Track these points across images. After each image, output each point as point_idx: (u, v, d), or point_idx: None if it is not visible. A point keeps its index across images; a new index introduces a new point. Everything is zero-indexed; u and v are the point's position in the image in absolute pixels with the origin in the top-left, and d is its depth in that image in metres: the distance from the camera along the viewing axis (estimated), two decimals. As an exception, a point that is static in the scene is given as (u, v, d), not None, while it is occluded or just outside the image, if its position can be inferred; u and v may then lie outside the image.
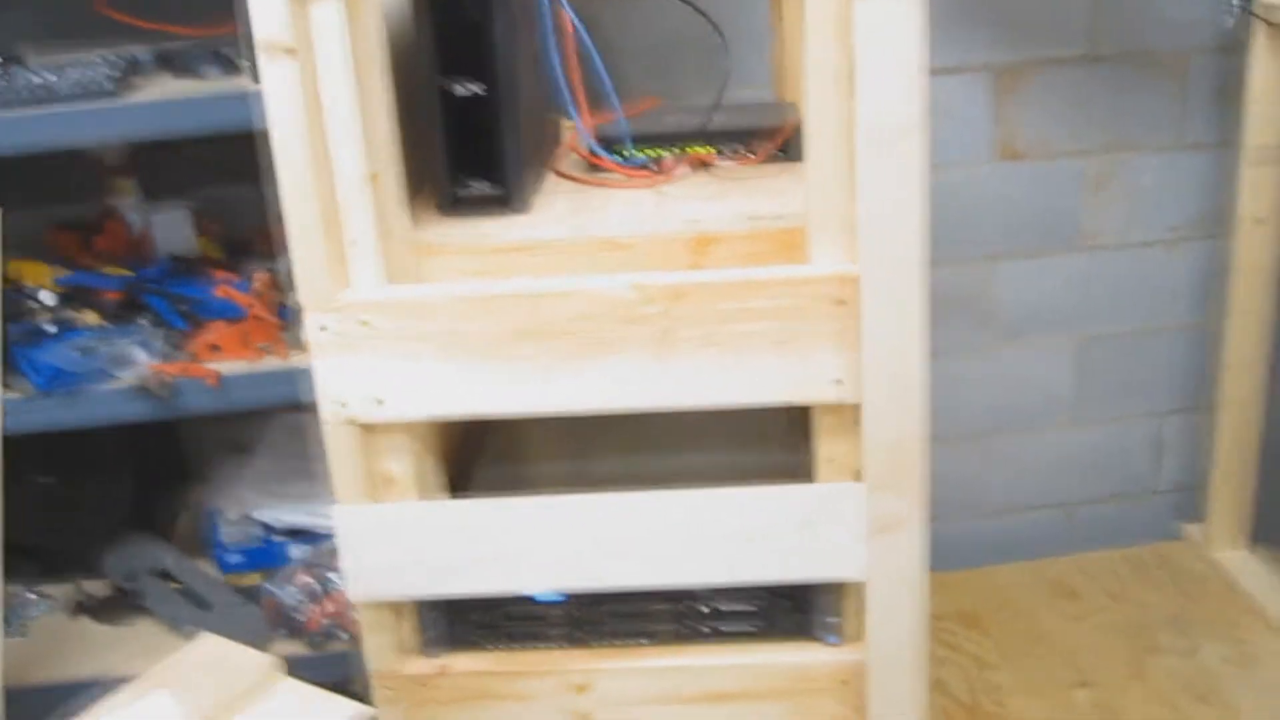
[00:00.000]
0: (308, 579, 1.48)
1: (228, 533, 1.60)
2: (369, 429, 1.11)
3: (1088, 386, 2.11)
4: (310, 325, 1.07)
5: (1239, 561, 2.06)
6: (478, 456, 1.32)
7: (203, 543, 1.65)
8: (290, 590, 1.48)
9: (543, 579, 1.13)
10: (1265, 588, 1.99)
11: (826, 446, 1.08)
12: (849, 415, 1.07)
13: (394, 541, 1.12)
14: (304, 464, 1.62)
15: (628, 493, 1.09)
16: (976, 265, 2.02)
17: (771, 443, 1.26)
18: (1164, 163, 2.00)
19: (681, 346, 1.05)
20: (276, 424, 1.74)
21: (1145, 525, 2.18)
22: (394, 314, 1.06)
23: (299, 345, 1.38)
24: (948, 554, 2.12)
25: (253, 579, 1.59)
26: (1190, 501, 2.18)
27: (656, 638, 1.17)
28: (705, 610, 1.16)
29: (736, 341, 1.04)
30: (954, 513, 2.16)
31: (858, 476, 1.08)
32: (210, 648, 0.98)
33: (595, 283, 1.05)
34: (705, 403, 1.06)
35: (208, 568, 1.63)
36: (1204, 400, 2.11)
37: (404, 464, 1.12)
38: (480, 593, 1.14)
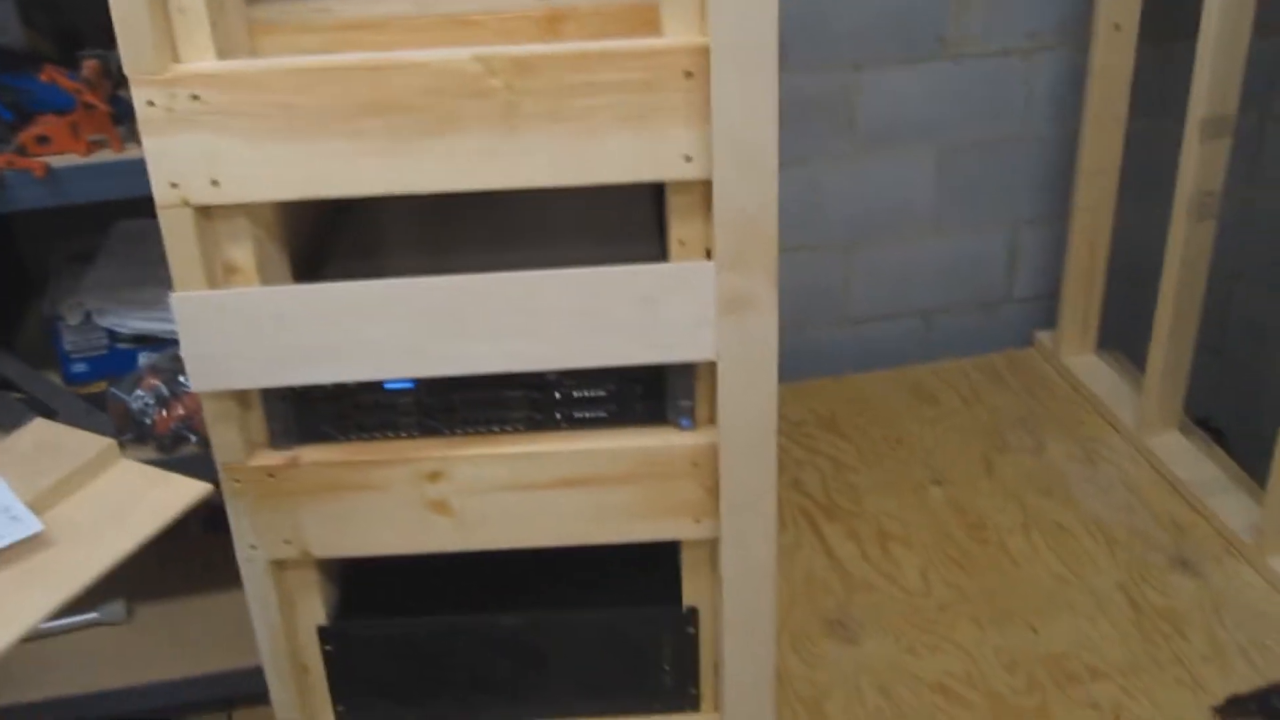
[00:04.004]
0: (155, 382, 1.44)
1: (72, 341, 1.54)
2: (206, 213, 1.06)
3: (948, 195, 2.13)
4: (138, 100, 1.01)
5: (1087, 366, 2.13)
6: (328, 251, 1.28)
7: (47, 352, 1.59)
8: (138, 394, 1.44)
9: (390, 365, 1.11)
10: (1110, 390, 2.06)
11: (678, 227, 1.07)
12: (700, 194, 1.05)
13: (236, 329, 1.09)
14: (150, 270, 1.57)
15: (474, 275, 1.07)
16: (840, 73, 2.01)
17: (636, 234, 1.25)
18: (1026, -33, 1.99)
19: (528, 122, 1.02)
20: (121, 231, 1.67)
21: (1000, 333, 2.24)
22: (227, 87, 1.01)
23: (135, 139, 1.32)
24: (811, 362, 2.16)
25: (100, 387, 1.54)
26: (1043, 309, 2.24)
27: (510, 425, 1.17)
28: (558, 396, 1.16)
29: (584, 116, 1.02)
30: (817, 322, 2.19)
31: (709, 258, 1.07)
32: (44, 432, 0.95)
33: (437, 55, 1.01)
34: (554, 180, 1.04)
35: (53, 377, 1.58)
36: (1060, 209, 2.15)
37: (246, 250, 1.09)
38: (327, 380, 1.12)
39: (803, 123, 2.02)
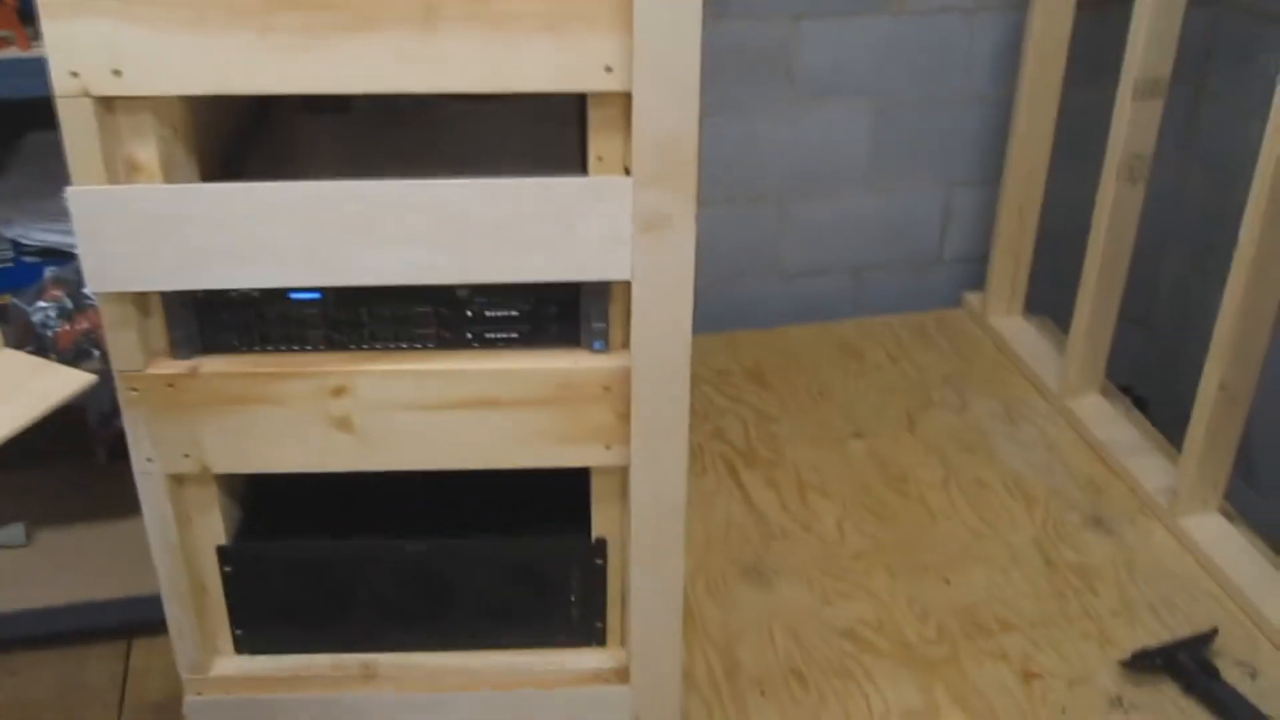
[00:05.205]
0: (59, 295, 1.40)
1: (-24, 253, 1.50)
2: (108, 105, 1.02)
3: (883, 152, 2.12)
4: (37, -18, 0.97)
5: (1013, 328, 2.13)
6: (242, 161, 1.24)
7: (-51, 264, 1.54)
8: (39, 306, 1.39)
9: (294, 273, 1.07)
10: (1035, 353, 2.07)
11: (596, 142, 1.05)
12: (620, 108, 1.03)
13: (136, 228, 1.05)
14: (60, 183, 1.52)
15: (383, 181, 1.04)
16: (780, 22, 1.99)
17: (562, 162, 1.22)
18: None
19: (447, 24, 0.99)
20: (30, 143, 1.62)
21: (929, 292, 2.24)
22: (132, -28, 0.97)
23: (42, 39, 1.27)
24: (740, 314, 2.15)
25: (3, 300, 1.49)
26: (973, 271, 2.24)
27: (418, 342, 1.14)
28: (469, 314, 1.13)
29: (505, 22, 0.99)
30: (748, 274, 2.18)
31: (628, 174, 1.05)
32: (-79, 320, 0.91)
33: (355, -51, 0.98)
34: (471, 86, 1.01)
35: (-45, 289, 1.53)
36: (994, 172, 2.15)
37: (149, 148, 1.05)
38: (228, 285, 1.08)
39: (741, 73, 2.00)
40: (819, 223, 2.16)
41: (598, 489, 1.22)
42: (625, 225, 1.05)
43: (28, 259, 1.51)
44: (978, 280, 2.21)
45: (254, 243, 1.06)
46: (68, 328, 1.39)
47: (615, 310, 1.13)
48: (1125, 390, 2.01)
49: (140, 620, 1.58)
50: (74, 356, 1.39)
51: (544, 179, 1.04)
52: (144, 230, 1.05)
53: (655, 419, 1.15)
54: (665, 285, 1.08)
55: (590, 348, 1.14)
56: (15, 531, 1.64)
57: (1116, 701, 1.48)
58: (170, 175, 1.07)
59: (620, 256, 1.06)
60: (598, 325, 1.13)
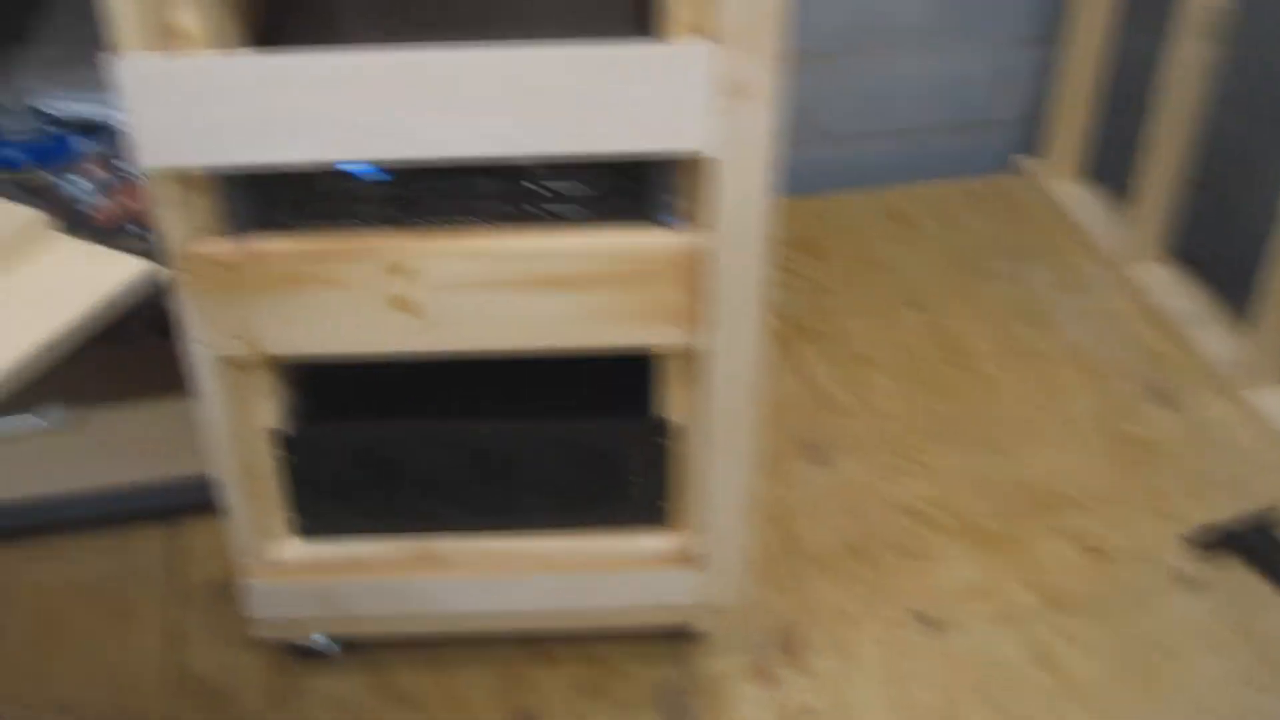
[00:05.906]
0: (99, 170, 1.34)
1: (8, 127, 1.43)
2: (148, -35, 0.96)
3: (941, 9, 2.03)
4: None
5: (1072, 195, 2.07)
6: (286, 27, 1.17)
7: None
8: (80, 183, 1.34)
9: (354, 148, 1.01)
10: (1093, 219, 2.00)
11: (675, 2, 0.98)
12: (698, -35, 0.96)
13: (186, 101, 0.99)
14: (95, 52, 1.45)
15: (443, 49, 0.98)
16: None
17: (623, 30, 1.14)
18: None
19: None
20: (62, 8, 1.55)
21: (984, 157, 2.16)
22: None
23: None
24: (790, 180, 2.08)
25: (42, 179, 1.43)
26: (1030, 135, 2.16)
27: (483, 219, 1.09)
28: (534, 189, 1.08)
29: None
30: (796, 138, 2.10)
31: (706, 38, 0.98)
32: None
33: None
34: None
35: (-14, 165, 1.47)
36: (1055, 32, 2.06)
37: (195, 14, 0.98)
38: (284, 161, 1.02)
39: (790, -77, 1.90)
40: (869, 82, 2.07)
41: (664, 370, 1.18)
42: (705, 95, 0.99)
43: (62, 131, 1.45)
44: (1027, 144, 2.13)
45: (310, 116, 1.00)
46: (109, 204, 1.33)
47: (687, 183, 1.07)
48: (1180, 254, 1.95)
49: (186, 503, 1.55)
50: (114, 234, 1.34)
51: (618, 45, 0.98)
52: (194, 103, 0.99)
53: (731, 298, 1.10)
54: (745, 157, 1.03)
55: (661, 223, 1.09)
56: (55, 412, 1.61)
57: (1181, 578, 1.46)
58: (215, 44, 1.01)
59: (698, 127, 1.00)
60: (669, 199, 1.07)
